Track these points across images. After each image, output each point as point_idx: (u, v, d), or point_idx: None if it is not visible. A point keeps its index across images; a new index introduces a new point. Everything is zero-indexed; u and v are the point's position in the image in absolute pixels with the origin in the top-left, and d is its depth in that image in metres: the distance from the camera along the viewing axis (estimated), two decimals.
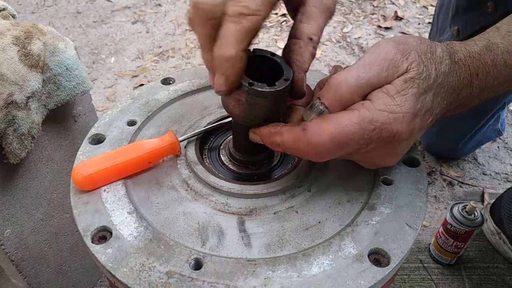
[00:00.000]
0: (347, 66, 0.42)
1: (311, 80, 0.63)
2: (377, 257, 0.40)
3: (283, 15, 1.90)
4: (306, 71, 0.41)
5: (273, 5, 0.37)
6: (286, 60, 0.42)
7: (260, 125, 0.43)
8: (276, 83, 0.40)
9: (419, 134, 0.41)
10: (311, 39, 0.41)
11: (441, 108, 0.42)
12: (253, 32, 0.37)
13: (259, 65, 0.42)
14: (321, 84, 0.45)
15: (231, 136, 0.52)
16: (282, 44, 1.71)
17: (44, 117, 0.66)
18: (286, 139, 0.40)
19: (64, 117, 0.73)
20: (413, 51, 0.40)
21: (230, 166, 0.50)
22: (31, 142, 0.63)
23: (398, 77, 0.39)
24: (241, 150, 0.50)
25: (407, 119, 0.38)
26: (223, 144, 0.53)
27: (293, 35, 0.42)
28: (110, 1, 2.04)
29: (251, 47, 0.40)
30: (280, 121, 0.44)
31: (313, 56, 0.42)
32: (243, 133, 0.48)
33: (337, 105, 0.39)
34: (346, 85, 0.39)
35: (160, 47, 1.74)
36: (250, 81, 0.39)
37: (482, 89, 0.43)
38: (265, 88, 0.39)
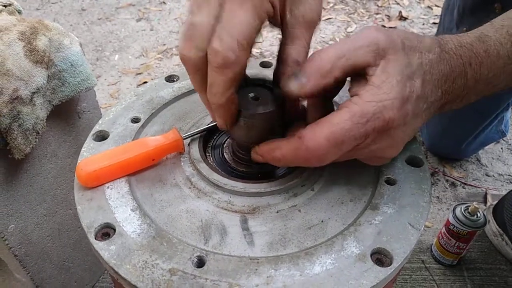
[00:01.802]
0: None
1: None
2: (380, 257, 0.40)
3: None
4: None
5: (252, 45, 0.39)
6: (276, 85, 0.44)
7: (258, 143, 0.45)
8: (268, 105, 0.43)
9: (416, 121, 0.41)
10: (297, 62, 0.42)
11: (436, 97, 0.42)
12: (239, 76, 0.39)
13: (257, 88, 0.46)
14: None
15: None
16: None
17: (48, 112, 0.66)
18: (285, 152, 0.41)
19: (68, 113, 0.73)
20: (396, 36, 0.40)
21: (233, 164, 0.51)
22: (35, 138, 0.63)
23: (380, 59, 0.39)
24: (245, 149, 0.50)
25: (397, 104, 0.38)
26: (226, 142, 0.53)
27: (280, 59, 0.43)
28: None
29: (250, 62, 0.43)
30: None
31: None
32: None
33: (316, 75, 0.39)
34: (326, 55, 0.39)
35: (164, 44, 1.74)
36: (242, 109, 0.43)
37: (477, 80, 0.44)
38: (258, 111, 0.43)
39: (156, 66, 1.62)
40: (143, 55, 1.69)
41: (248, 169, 0.50)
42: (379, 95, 0.38)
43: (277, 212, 0.45)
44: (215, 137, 0.54)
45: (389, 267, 0.39)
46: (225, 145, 0.53)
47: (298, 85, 0.40)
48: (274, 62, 0.66)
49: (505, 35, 0.44)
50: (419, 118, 0.41)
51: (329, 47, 0.40)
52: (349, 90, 0.42)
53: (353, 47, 0.39)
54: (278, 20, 0.43)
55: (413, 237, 0.42)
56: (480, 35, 0.44)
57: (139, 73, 1.59)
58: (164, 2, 2.02)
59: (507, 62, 0.44)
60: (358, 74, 0.40)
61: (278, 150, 0.41)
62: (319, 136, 0.38)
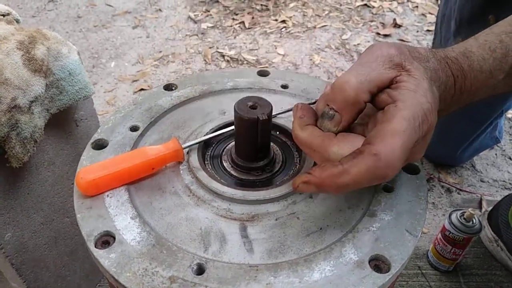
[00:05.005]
0: None
1: (313, 87, 0.64)
2: (378, 264, 0.41)
3: (283, 21, 1.91)
4: None
5: None
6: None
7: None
8: None
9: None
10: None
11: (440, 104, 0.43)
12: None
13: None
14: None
15: (233, 143, 0.52)
16: (281, 51, 1.72)
17: (46, 121, 0.66)
18: (357, 174, 0.36)
19: (66, 121, 0.73)
20: (402, 47, 0.41)
21: (232, 172, 0.51)
22: (33, 146, 0.63)
23: (400, 70, 0.40)
24: (243, 156, 0.50)
25: (433, 108, 0.39)
26: (225, 150, 0.54)
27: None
28: (110, 5, 2.05)
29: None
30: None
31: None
32: (245, 139, 0.49)
33: (345, 106, 0.40)
34: (349, 85, 0.39)
35: (160, 52, 1.75)
36: None
37: (462, 91, 0.45)
38: None
39: (153, 73, 1.63)
40: (140, 62, 1.69)
41: (247, 176, 0.50)
42: (418, 98, 0.38)
43: (276, 219, 0.45)
44: (214, 145, 0.55)
45: (387, 274, 0.40)
46: (223, 153, 0.53)
47: (334, 122, 0.40)
48: (271, 70, 0.67)
49: (487, 51, 0.45)
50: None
51: (347, 75, 0.40)
52: (376, 102, 0.41)
53: (371, 68, 0.40)
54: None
55: (410, 244, 0.42)
56: (465, 51, 0.45)
57: (136, 80, 1.60)
58: (160, 10, 2.03)
59: (489, 76, 0.45)
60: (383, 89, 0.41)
61: (345, 175, 0.36)
62: (396, 148, 0.36)
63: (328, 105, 0.40)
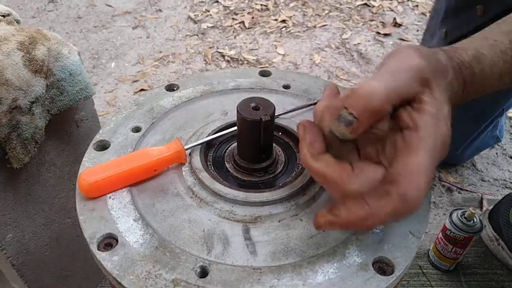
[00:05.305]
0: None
1: (315, 87, 0.64)
2: (382, 266, 0.41)
3: (283, 21, 1.91)
4: None
5: None
6: None
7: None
8: None
9: None
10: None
11: None
12: None
13: None
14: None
15: (236, 144, 0.52)
16: (281, 50, 1.72)
17: (47, 122, 0.66)
18: (384, 217, 0.36)
19: (66, 122, 0.73)
20: (432, 57, 0.40)
21: (235, 174, 0.51)
22: (34, 147, 0.63)
23: (426, 86, 0.38)
24: (246, 158, 0.50)
25: (449, 137, 0.38)
26: (227, 151, 0.54)
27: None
28: (110, 6, 2.05)
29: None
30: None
31: None
32: (247, 140, 0.49)
33: (367, 115, 0.36)
34: (376, 94, 0.36)
35: (160, 52, 1.75)
36: None
37: (468, 94, 0.44)
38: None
39: (153, 74, 1.63)
40: (140, 63, 1.69)
41: (249, 178, 0.50)
42: (440, 127, 0.37)
43: (279, 221, 0.45)
44: (216, 147, 0.54)
45: (391, 276, 0.40)
46: (226, 154, 0.53)
47: (351, 129, 0.37)
48: (272, 70, 0.67)
49: (498, 53, 0.44)
50: None
51: (374, 82, 0.37)
52: (395, 116, 0.39)
53: (400, 79, 0.37)
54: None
55: (413, 245, 0.42)
56: (476, 54, 0.44)
57: (136, 81, 1.59)
58: (160, 10, 2.02)
59: (497, 79, 0.44)
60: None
61: (373, 218, 0.36)
62: (422, 187, 0.35)
63: (346, 109, 0.37)
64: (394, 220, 0.37)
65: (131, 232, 0.43)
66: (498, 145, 1.29)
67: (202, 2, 2.07)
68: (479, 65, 0.43)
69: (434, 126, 0.37)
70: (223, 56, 1.71)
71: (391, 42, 1.77)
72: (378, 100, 0.36)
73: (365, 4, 2.01)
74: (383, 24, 1.88)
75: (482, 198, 1.14)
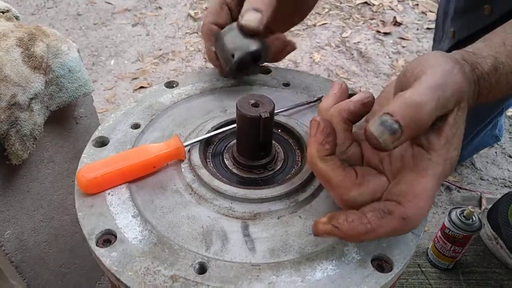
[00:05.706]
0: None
1: (314, 85, 0.64)
2: (380, 263, 0.41)
3: None
4: None
5: None
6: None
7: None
8: None
9: None
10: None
11: None
12: None
13: None
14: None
15: (235, 140, 0.52)
16: None
17: (46, 118, 0.66)
18: (384, 234, 0.36)
19: (65, 118, 0.73)
20: (470, 78, 0.39)
21: (234, 170, 0.51)
22: (33, 144, 0.63)
23: (456, 106, 0.37)
24: (245, 155, 0.50)
25: (458, 157, 0.38)
26: (226, 148, 0.53)
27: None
28: (110, 3, 2.05)
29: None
30: None
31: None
32: (247, 137, 0.49)
33: (413, 127, 0.34)
34: (427, 107, 0.34)
35: (160, 49, 1.74)
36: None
37: (478, 102, 0.43)
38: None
39: (152, 71, 1.62)
40: (139, 60, 1.69)
41: (248, 175, 0.50)
42: (451, 152, 0.37)
43: (278, 218, 0.45)
44: (215, 143, 0.54)
45: (389, 273, 0.40)
46: (225, 151, 0.53)
47: (395, 137, 0.34)
48: (272, 67, 0.67)
49: None
50: None
51: (425, 96, 0.34)
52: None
53: (444, 97, 0.35)
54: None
55: (412, 243, 0.42)
56: (495, 62, 0.42)
57: (135, 78, 1.59)
58: (160, 7, 2.02)
59: (510, 88, 0.43)
60: None
61: (372, 234, 0.36)
62: (424, 211, 0.36)
63: (391, 115, 0.33)
64: (391, 236, 0.38)
65: (130, 228, 0.43)
66: (498, 144, 1.29)
67: None
68: (496, 74, 0.42)
69: (447, 152, 0.36)
70: None
71: (391, 41, 1.77)
72: (427, 114, 0.34)
73: (365, 2, 2.01)
74: (383, 23, 1.88)
75: (481, 197, 1.14)
